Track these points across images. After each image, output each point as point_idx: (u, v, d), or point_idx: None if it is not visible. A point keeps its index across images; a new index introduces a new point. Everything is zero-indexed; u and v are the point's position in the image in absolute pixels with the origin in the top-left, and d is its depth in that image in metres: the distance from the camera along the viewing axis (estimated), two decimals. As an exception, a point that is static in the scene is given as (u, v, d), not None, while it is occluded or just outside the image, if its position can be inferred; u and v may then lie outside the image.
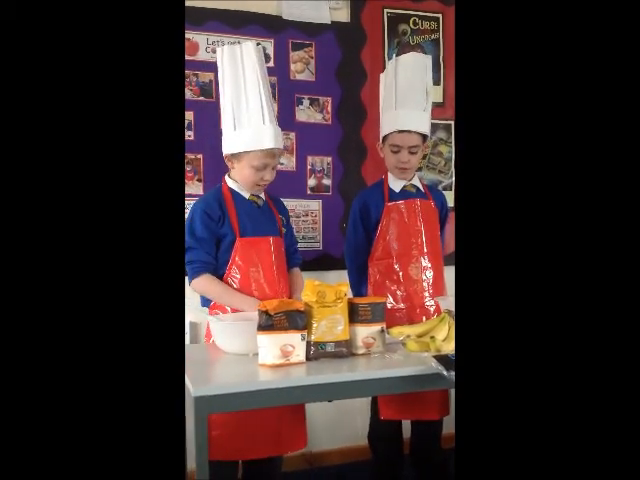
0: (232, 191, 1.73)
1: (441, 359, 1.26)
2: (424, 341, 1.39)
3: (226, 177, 1.77)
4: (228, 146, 1.70)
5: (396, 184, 1.97)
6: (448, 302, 1.67)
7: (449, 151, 2.59)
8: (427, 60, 1.99)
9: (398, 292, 1.90)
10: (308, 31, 2.39)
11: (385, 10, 2.49)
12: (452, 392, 1.86)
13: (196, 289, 1.69)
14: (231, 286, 1.67)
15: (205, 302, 1.73)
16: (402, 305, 1.89)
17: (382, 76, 2.08)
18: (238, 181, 1.73)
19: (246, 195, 1.74)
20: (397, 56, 2.02)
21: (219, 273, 1.68)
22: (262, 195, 1.78)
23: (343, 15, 2.45)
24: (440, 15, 2.57)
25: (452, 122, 2.59)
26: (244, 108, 1.66)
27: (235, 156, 1.69)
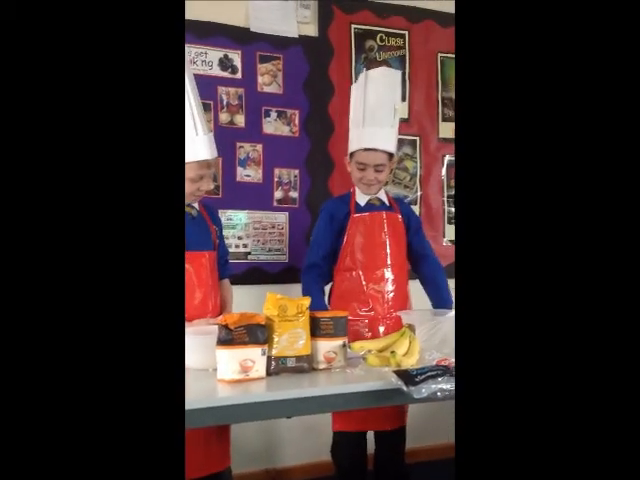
0: None
1: (401, 374, 1.25)
2: (385, 356, 1.39)
3: None
4: None
5: (362, 198, 1.97)
6: (411, 317, 1.67)
7: (414, 166, 2.62)
8: (397, 75, 1.98)
9: (361, 303, 1.90)
10: (276, 44, 2.40)
11: (352, 26, 2.52)
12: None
13: None
14: None
15: None
16: (365, 315, 1.90)
17: (352, 88, 2.07)
18: None
19: None
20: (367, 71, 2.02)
21: None
22: (196, 205, 1.72)
23: (311, 29, 2.46)
24: (406, 32, 2.61)
25: (417, 138, 2.62)
26: None
27: None
